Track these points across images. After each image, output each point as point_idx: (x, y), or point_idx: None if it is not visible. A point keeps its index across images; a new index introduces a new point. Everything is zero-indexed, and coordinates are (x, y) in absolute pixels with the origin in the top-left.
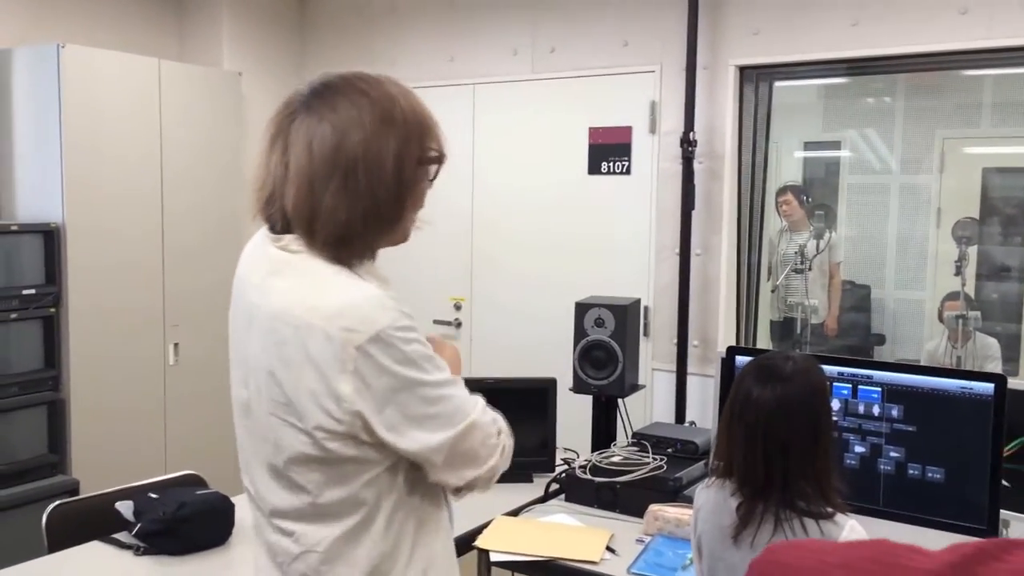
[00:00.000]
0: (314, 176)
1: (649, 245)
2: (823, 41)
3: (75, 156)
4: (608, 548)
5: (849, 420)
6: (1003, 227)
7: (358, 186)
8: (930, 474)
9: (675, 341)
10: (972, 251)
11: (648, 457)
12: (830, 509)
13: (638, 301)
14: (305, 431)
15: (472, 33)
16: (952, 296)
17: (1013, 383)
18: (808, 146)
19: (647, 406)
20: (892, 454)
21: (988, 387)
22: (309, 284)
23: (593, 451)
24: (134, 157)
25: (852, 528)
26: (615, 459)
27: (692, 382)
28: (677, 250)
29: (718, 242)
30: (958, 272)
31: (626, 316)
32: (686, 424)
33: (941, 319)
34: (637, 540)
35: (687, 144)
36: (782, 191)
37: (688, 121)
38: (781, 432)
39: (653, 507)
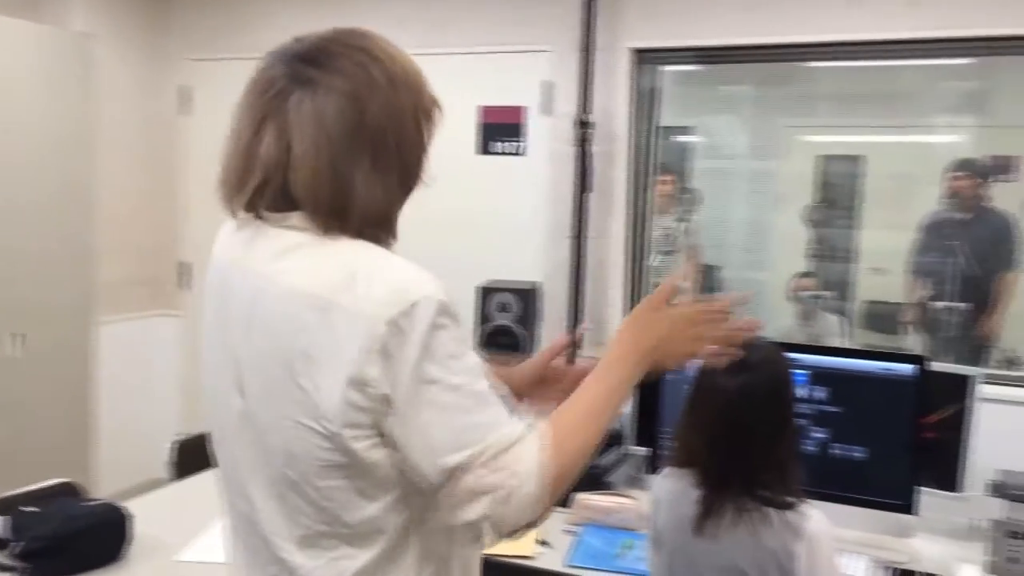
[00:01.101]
0: (336, 156)
1: (542, 227)
2: (717, 27)
3: None
4: (539, 541)
5: None
6: (834, 211)
7: (389, 158)
8: (853, 453)
9: (567, 325)
10: (816, 234)
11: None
12: (792, 499)
13: (539, 284)
14: (326, 433)
15: (353, 1)
16: (803, 275)
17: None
18: (665, 131)
19: None
20: (817, 435)
21: (909, 368)
22: (331, 260)
23: None
24: None
25: (817, 518)
26: None
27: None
28: (570, 233)
29: (611, 225)
30: (810, 255)
31: (531, 300)
32: None
33: (791, 297)
34: (565, 531)
35: (582, 126)
36: (664, 171)
37: (584, 103)
38: (745, 421)
39: (580, 496)
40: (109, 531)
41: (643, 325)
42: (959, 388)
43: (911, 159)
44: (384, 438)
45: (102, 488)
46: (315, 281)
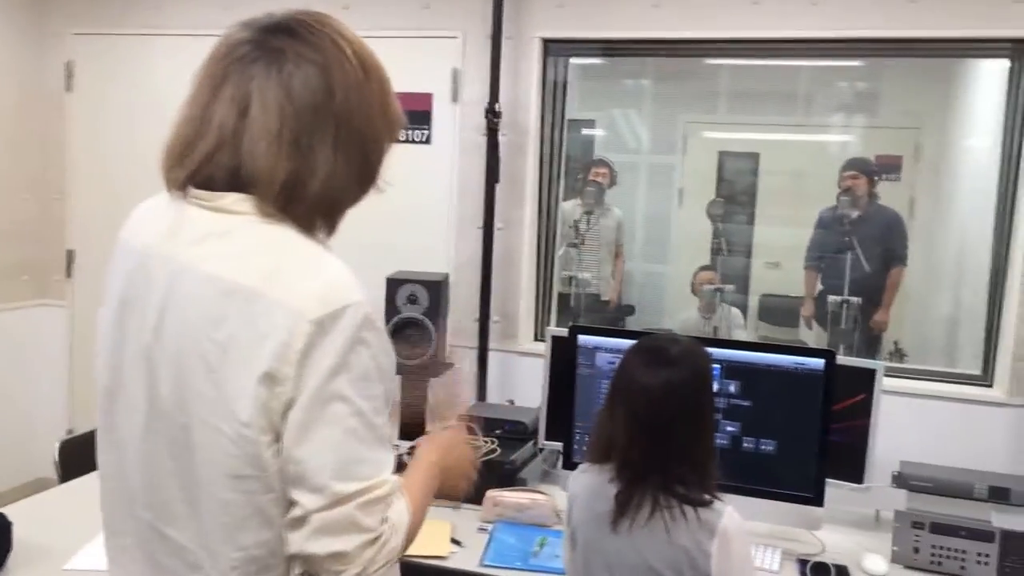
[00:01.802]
0: (299, 128)
1: (450, 218)
2: (625, 20)
3: None
4: (452, 540)
5: None
6: (733, 206)
7: (352, 144)
8: (763, 447)
9: (476, 317)
10: (716, 228)
11: (479, 440)
12: (707, 496)
13: (447, 276)
14: (235, 437)
15: None
16: (705, 268)
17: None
18: (570, 124)
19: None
20: (728, 428)
21: (819, 362)
22: (263, 249)
23: (403, 436)
24: None
25: (730, 515)
26: None
27: (492, 358)
28: (480, 224)
29: (520, 216)
30: (718, 249)
31: (440, 292)
32: (507, 403)
33: (694, 291)
34: (479, 529)
35: (491, 115)
36: (599, 164)
37: (493, 92)
38: (665, 416)
39: (491, 493)
40: None
41: (444, 445)
42: (863, 381)
43: (803, 157)
44: (279, 445)
45: None
46: (240, 269)
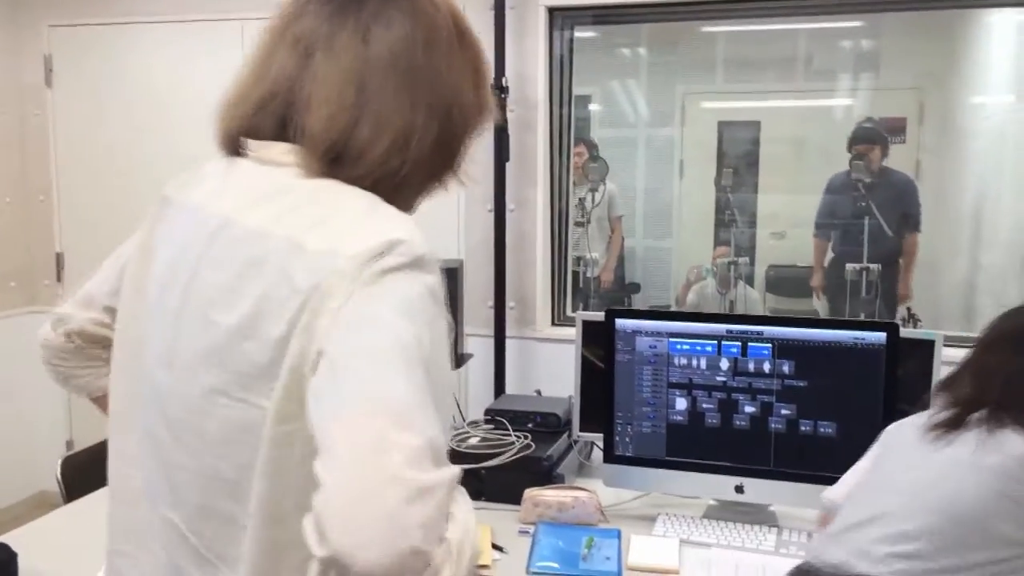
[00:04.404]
0: (369, 74)
1: (458, 201)
2: None
3: None
4: (494, 546)
5: (739, 380)
6: (737, 176)
7: (436, 104)
8: (822, 429)
9: (490, 304)
10: (722, 201)
11: (510, 436)
12: None
13: (462, 263)
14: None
15: None
16: (720, 243)
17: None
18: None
19: (462, 376)
20: (783, 412)
21: (881, 336)
22: (310, 201)
23: None
24: None
25: None
26: (473, 441)
27: (510, 346)
28: (490, 206)
29: (533, 196)
30: (729, 222)
31: (456, 280)
32: (534, 393)
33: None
34: (520, 532)
35: (498, 90)
36: (575, 142)
37: (499, 66)
38: None
39: (530, 492)
40: None
41: None
42: (921, 353)
43: (805, 123)
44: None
45: None
46: (282, 221)
